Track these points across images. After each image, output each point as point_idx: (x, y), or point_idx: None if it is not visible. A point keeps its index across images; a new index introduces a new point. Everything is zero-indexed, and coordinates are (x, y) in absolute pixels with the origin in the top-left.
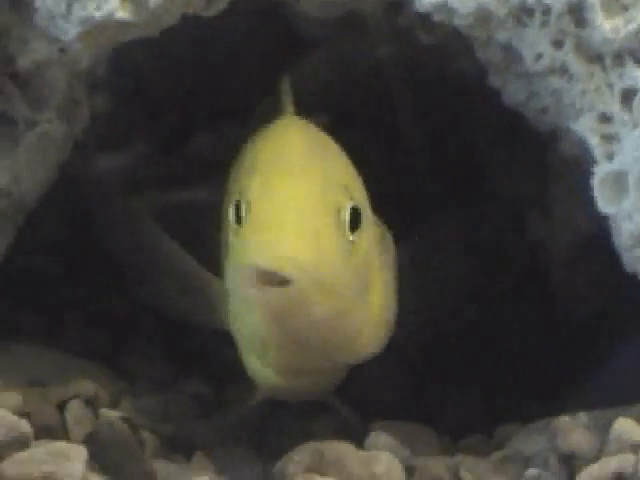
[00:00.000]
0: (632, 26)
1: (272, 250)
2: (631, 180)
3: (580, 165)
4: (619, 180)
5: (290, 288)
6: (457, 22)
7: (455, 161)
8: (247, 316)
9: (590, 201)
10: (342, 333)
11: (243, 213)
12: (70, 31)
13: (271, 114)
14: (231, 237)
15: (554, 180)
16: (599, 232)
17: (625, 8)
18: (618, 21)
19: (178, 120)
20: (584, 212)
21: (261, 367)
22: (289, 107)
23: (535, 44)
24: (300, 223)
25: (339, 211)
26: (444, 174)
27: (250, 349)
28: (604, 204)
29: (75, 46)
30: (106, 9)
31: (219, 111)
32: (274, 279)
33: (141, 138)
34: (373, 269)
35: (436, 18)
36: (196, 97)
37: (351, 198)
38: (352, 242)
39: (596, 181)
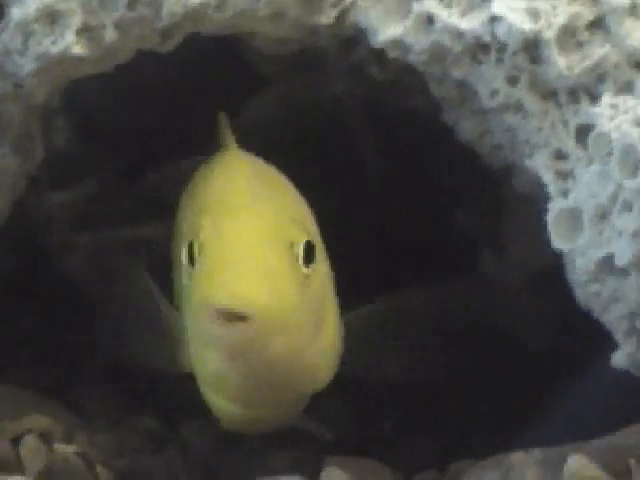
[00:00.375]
0: (587, 63)
1: (228, 290)
2: (586, 217)
3: (534, 202)
4: (574, 217)
5: (248, 324)
6: (412, 58)
7: (410, 197)
8: (206, 352)
9: (543, 238)
10: (300, 367)
11: (196, 254)
12: (26, 66)
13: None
14: (185, 279)
15: (508, 216)
16: (552, 269)
17: (580, 45)
18: (573, 58)
19: (132, 157)
20: (537, 249)
21: (223, 401)
22: (230, 140)
23: (490, 81)
24: (253, 261)
25: (292, 246)
26: (399, 209)
27: (211, 384)
28: (558, 240)
29: (31, 81)
30: (62, 44)
31: (174, 148)
32: (232, 317)
33: (94, 174)
34: (326, 300)
35: (391, 55)
36: (151, 133)
37: (304, 231)
38: (307, 276)
39: (550, 217)
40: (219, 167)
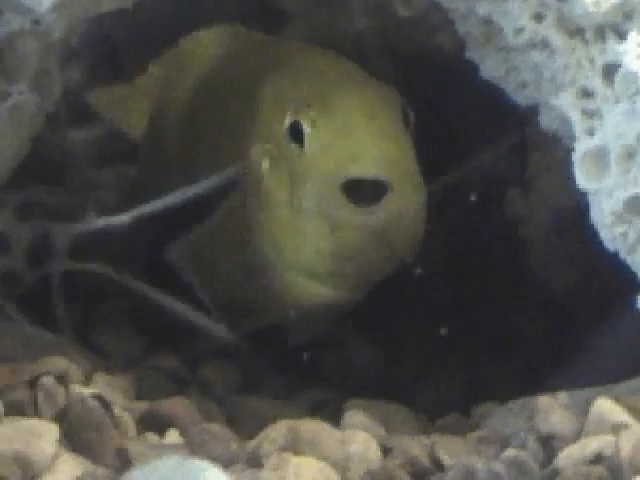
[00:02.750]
0: (614, 0)
1: (367, 157)
2: (612, 156)
3: (560, 140)
4: (600, 156)
5: (387, 199)
6: None
7: (435, 135)
8: (312, 232)
9: (570, 177)
10: (415, 236)
11: (306, 132)
12: (44, 2)
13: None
14: (292, 160)
15: (534, 155)
16: (578, 208)
17: None
18: None
19: None
20: (564, 188)
21: (311, 284)
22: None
23: (516, 18)
24: (379, 131)
25: (397, 111)
26: (424, 149)
27: (305, 267)
28: (584, 180)
29: (49, 17)
30: None
31: None
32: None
33: None
34: None
35: None
36: None
37: (398, 97)
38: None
39: (577, 157)
40: (280, 51)
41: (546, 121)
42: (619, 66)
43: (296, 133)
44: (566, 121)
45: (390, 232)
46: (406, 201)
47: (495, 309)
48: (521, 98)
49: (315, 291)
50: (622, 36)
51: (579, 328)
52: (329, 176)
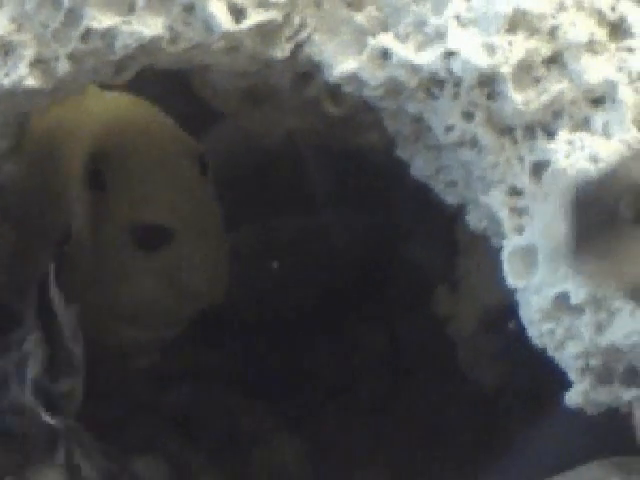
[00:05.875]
0: (543, 98)
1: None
2: (540, 254)
3: (488, 239)
4: (529, 254)
5: None
6: (367, 93)
7: (363, 232)
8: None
9: (498, 275)
10: (216, 271)
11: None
12: None
13: None
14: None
15: (461, 254)
16: (505, 306)
17: (537, 80)
18: (529, 93)
19: None
20: (491, 286)
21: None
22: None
23: (445, 116)
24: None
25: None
26: (351, 245)
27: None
28: (513, 278)
29: None
30: (14, 76)
31: None
32: None
33: None
34: None
35: (346, 89)
36: None
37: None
38: None
39: (505, 255)
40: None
41: (475, 220)
42: (548, 164)
43: (97, 179)
44: (495, 219)
45: (178, 277)
46: (192, 247)
47: (423, 407)
48: (450, 197)
49: (127, 333)
50: (551, 135)
51: (509, 425)
52: (122, 223)
